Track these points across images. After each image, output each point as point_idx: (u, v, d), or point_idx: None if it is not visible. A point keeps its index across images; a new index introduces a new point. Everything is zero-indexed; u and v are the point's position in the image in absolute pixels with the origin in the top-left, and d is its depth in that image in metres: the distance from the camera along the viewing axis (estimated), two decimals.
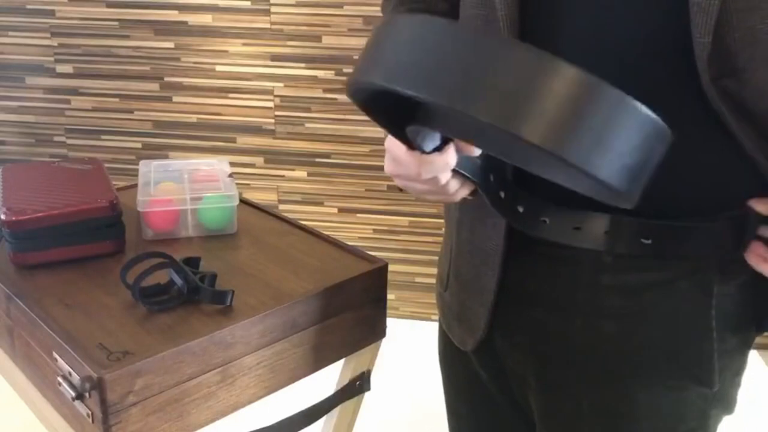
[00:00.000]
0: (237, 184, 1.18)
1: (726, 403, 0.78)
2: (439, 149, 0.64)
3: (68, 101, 2.48)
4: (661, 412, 0.76)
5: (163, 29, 2.32)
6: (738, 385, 0.79)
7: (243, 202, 1.23)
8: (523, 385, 0.85)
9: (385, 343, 1.08)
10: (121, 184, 1.29)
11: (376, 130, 2.33)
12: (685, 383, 0.75)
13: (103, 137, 2.51)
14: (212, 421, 0.88)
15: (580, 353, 0.77)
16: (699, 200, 0.70)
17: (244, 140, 2.41)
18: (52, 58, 2.44)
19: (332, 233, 1.13)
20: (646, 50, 0.67)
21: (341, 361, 1.05)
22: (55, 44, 2.42)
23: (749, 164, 0.68)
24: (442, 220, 2.28)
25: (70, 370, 0.81)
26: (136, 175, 1.20)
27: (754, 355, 2.09)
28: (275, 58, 2.31)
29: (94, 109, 2.48)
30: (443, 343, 0.97)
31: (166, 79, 2.39)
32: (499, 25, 0.71)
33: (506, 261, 0.79)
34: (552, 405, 0.82)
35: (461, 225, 0.86)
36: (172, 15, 2.29)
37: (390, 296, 1.05)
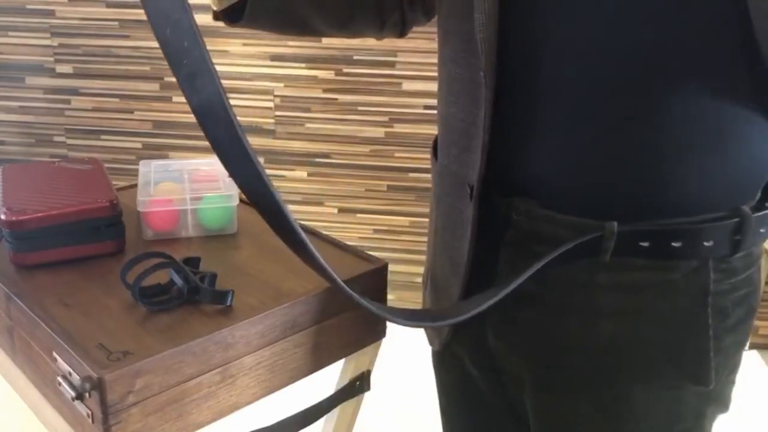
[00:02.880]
0: None
1: (721, 401, 0.79)
2: None
3: (68, 101, 2.48)
4: (657, 412, 0.76)
5: None
6: (733, 383, 0.80)
7: (243, 202, 1.23)
8: (517, 386, 0.85)
9: (385, 343, 1.08)
10: (121, 184, 1.30)
11: (376, 130, 2.33)
12: (681, 382, 0.75)
13: (103, 137, 2.51)
14: (212, 421, 0.88)
15: (576, 353, 0.77)
16: (713, 195, 0.71)
17: None
18: (52, 58, 2.44)
19: (332, 233, 1.13)
20: (673, 47, 0.66)
21: (341, 361, 1.05)
22: (55, 44, 2.42)
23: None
24: None
25: (70, 370, 0.81)
26: (136, 175, 1.20)
27: (754, 355, 2.10)
28: (275, 58, 2.31)
29: (94, 109, 2.48)
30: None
31: (166, 79, 2.39)
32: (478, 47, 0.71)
33: (474, 270, 0.80)
34: (548, 405, 0.82)
35: (437, 232, 0.88)
36: None
37: (390, 296, 1.05)
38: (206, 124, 0.59)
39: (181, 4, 0.54)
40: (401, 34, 0.96)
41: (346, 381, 1.07)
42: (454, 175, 0.81)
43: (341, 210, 2.44)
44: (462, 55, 0.76)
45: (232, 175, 0.64)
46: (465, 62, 0.75)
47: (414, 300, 2.48)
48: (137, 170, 1.22)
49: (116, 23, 2.36)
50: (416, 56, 2.24)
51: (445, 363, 0.97)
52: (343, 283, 0.69)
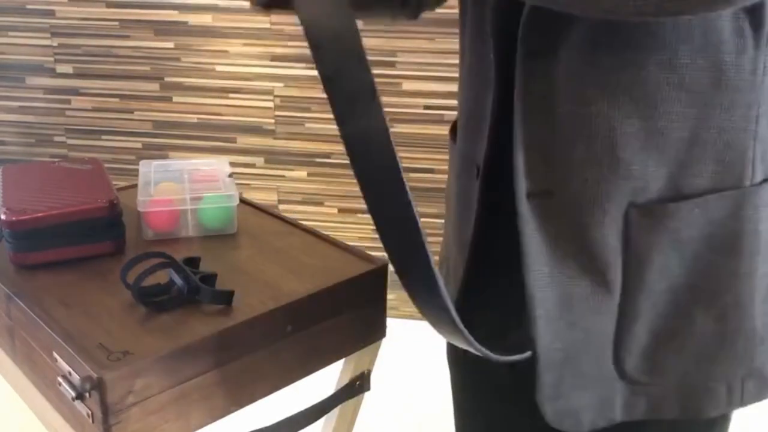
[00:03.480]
0: (237, 184, 1.19)
1: None
2: None
3: (68, 101, 2.48)
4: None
5: (163, 29, 2.32)
6: None
7: (243, 202, 1.23)
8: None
9: (385, 343, 1.08)
10: (121, 184, 1.30)
11: None
12: None
13: (103, 137, 2.51)
14: (212, 421, 0.88)
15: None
16: None
17: (244, 140, 2.42)
18: (52, 58, 2.44)
19: (332, 233, 1.13)
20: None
21: (341, 361, 1.05)
22: (55, 44, 2.42)
23: None
24: (441, 220, 2.28)
25: (70, 370, 0.81)
26: (136, 175, 1.20)
27: None
28: (275, 58, 2.31)
29: (94, 109, 2.48)
30: None
31: (166, 79, 2.39)
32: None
33: (477, 251, 0.82)
34: None
35: (451, 213, 0.90)
36: (172, 15, 2.29)
37: (390, 296, 1.05)
38: (359, 155, 0.51)
39: (347, 19, 0.47)
40: (415, 15, 0.96)
41: (346, 381, 1.07)
42: (464, 157, 0.83)
43: (341, 210, 2.44)
44: (476, 38, 0.77)
45: (378, 215, 0.55)
46: (479, 46, 0.77)
47: None
48: (137, 170, 1.22)
49: (116, 23, 2.36)
50: (416, 56, 2.24)
51: (462, 360, 0.96)
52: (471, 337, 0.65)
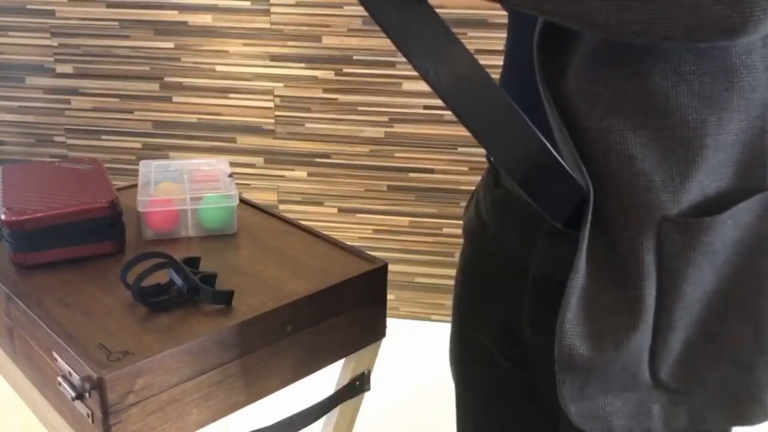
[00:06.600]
0: (237, 184, 1.19)
1: None
2: None
3: (68, 101, 2.48)
4: None
5: (163, 29, 2.32)
6: None
7: (243, 202, 1.23)
8: (550, 379, 0.83)
9: (385, 343, 1.08)
10: (121, 184, 1.30)
11: (376, 130, 2.33)
12: None
13: (103, 137, 2.51)
14: (212, 421, 0.88)
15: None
16: None
17: (244, 140, 2.41)
18: (52, 58, 2.44)
19: (332, 233, 1.13)
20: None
21: (341, 361, 1.05)
22: (55, 44, 2.42)
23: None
24: (442, 220, 2.28)
25: (70, 370, 0.81)
26: (136, 175, 1.20)
27: None
28: (275, 58, 2.31)
29: (94, 109, 2.48)
30: (457, 339, 0.97)
31: (166, 79, 2.39)
32: None
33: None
34: None
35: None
36: (172, 15, 2.29)
37: (390, 296, 1.05)
38: (463, 102, 0.54)
39: None
40: None
41: (346, 381, 1.07)
42: None
43: (341, 210, 2.44)
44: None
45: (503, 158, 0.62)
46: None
47: (414, 300, 2.48)
48: (137, 170, 1.22)
49: (116, 23, 2.36)
50: None
51: (467, 360, 0.96)
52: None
